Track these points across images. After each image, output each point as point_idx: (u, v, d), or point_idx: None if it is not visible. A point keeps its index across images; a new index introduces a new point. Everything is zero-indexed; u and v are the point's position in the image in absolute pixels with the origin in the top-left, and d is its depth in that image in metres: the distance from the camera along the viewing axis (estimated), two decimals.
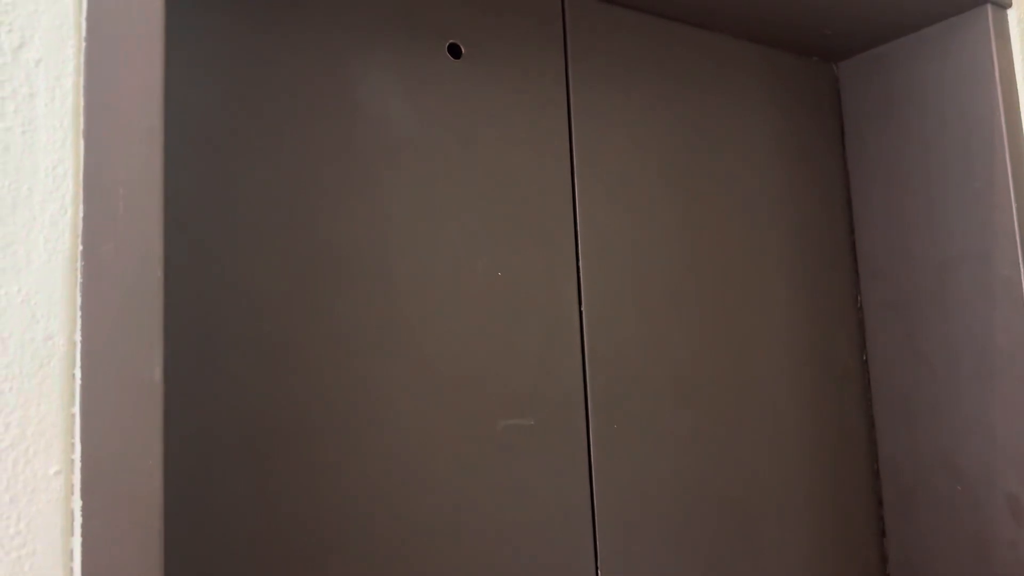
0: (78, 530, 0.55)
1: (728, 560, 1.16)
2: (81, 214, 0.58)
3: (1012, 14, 1.26)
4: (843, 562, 1.26)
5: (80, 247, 0.58)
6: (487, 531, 1.00)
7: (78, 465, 0.56)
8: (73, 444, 0.56)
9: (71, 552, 0.55)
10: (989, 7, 1.22)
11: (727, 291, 1.23)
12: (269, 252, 0.91)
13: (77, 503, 0.55)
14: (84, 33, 0.60)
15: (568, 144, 1.13)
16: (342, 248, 0.95)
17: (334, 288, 0.94)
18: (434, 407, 0.98)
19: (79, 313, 0.57)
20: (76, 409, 0.56)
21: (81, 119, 0.59)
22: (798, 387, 1.27)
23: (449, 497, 0.98)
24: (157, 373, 0.60)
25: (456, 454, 0.99)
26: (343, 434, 0.92)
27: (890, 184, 1.31)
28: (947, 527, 1.19)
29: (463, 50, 1.06)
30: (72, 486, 0.55)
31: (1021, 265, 1.14)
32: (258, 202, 0.91)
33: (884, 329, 1.31)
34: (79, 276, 0.58)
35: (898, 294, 1.29)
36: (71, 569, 0.54)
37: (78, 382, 0.57)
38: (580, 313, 1.10)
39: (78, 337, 0.58)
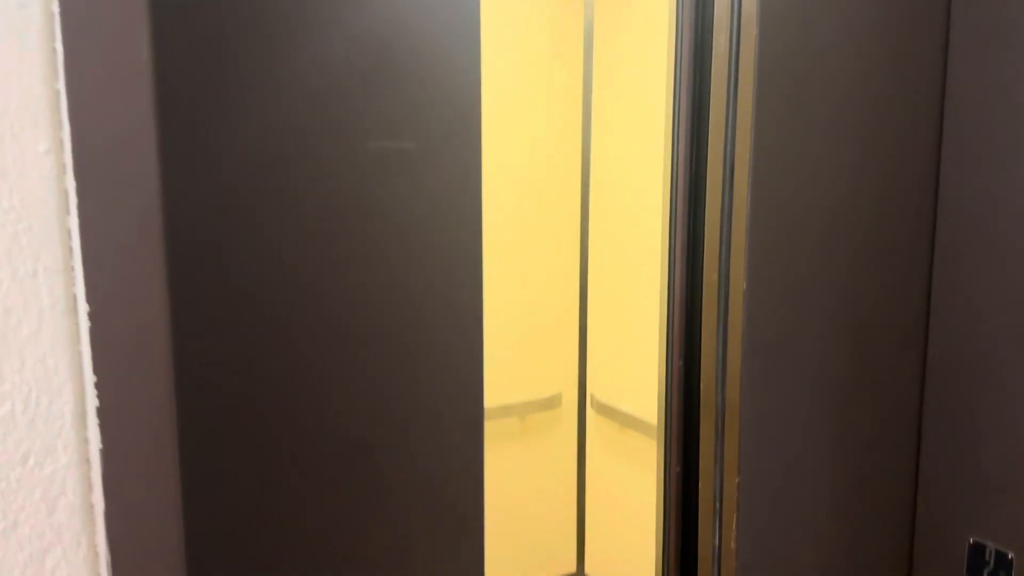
0: (74, 210, 0.54)
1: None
2: None
3: None
4: (885, 301, 1.23)
5: None
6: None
7: (68, 145, 0.53)
8: (60, 122, 0.53)
9: (68, 231, 0.54)
10: None
11: None
12: None
13: (71, 183, 0.54)
14: None
15: None
16: None
17: None
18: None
19: None
20: (60, 85, 0.53)
21: None
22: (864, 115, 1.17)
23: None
24: (146, 51, 0.55)
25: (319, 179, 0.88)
26: None
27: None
28: (999, 271, 1.15)
29: None
30: (63, 165, 0.54)
31: None
32: None
33: (969, 60, 1.18)
34: None
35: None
36: (70, 247, 0.54)
37: (60, 57, 0.53)
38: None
39: (55, 8, 0.53)
